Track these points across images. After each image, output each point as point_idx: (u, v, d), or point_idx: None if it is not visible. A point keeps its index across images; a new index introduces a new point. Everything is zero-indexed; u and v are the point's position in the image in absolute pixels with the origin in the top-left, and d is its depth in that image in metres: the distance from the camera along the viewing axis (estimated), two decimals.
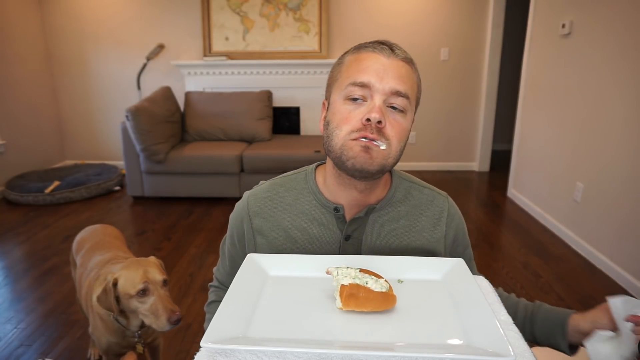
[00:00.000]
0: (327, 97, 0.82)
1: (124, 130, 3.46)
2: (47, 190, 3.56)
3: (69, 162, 4.65)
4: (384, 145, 0.73)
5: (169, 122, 3.68)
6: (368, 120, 0.71)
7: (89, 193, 3.73)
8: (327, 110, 0.81)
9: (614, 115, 2.40)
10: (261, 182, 0.93)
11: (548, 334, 0.83)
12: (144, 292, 1.23)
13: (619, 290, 2.28)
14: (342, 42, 4.27)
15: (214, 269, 1.03)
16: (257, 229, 0.87)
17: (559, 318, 0.83)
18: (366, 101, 0.73)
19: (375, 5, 4.18)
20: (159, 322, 1.22)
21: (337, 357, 0.57)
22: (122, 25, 4.30)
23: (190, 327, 1.99)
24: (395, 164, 0.77)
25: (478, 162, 4.56)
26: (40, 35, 4.29)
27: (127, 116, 3.32)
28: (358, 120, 0.73)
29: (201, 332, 1.76)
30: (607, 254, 2.45)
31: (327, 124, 0.78)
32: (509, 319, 0.68)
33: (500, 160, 4.75)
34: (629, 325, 0.69)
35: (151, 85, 4.34)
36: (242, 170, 3.58)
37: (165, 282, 1.28)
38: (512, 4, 4.46)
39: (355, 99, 0.74)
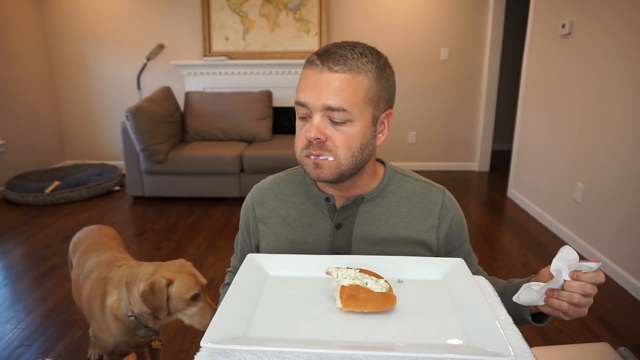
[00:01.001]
0: None
1: (124, 130, 3.46)
2: (47, 190, 3.56)
3: (69, 162, 4.65)
4: (330, 156, 0.78)
5: (169, 122, 3.68)
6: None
7: (89, 193, 3.73)
8: None
9: (614, 115, 2.40)
10: (268, 176, 1.01)
11: (514, 307, 0.81)
12: (196, 297, 1.31)
13: (618, 290, 2.28)
14: None
15: (232, 257, 1.11)
16: (259, 217, 0.95)
17: (521, 284, 0.81)
18: (311, 117, 0.78)
19: (375, 5, 4.18)
20: (205, 322, 1.31)
21: (337, 357, 0.57)
22: (122, 25, 4.30)
23: (190, 327, 1.98)
24: (355, 167, 0.80)
25: (478, 162, 4.56)
26: (40, 35, 4.29)
27: (127, 116, 3.32)
28: (304, 137, 0.79)
29: (201, 332, 1.76)
30: (607, 254, 2.45)
31: None
32: (509, 319, 0.68)
33: (500, 160, 4.75)
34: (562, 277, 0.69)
35: (151, 85, 4.34)
36: (242, 170, 3.58)
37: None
38: (512, 4, 4.46)
39: (302, 117, 0.80)
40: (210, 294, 2.22)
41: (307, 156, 0.79)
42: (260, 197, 0.95)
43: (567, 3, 2.86)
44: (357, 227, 0.88)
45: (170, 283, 1.29)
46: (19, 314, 2.09)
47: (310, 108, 0.76)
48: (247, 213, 0.97)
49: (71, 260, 1.68)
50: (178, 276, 1.30)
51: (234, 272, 1.07)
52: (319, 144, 0.77)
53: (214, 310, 1.27)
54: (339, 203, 0.89)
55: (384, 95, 0.80)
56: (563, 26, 2.86)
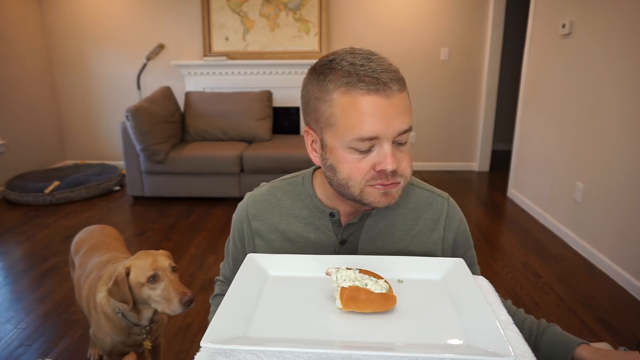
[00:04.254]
0: (313, 128, 0.75)
1: (124, 130, 3.46)
2: (47, 190, 3.56)
3: (69, 162, 4.64)
4: (401, 179, 0.73)
5: (169, 122, 3.68)
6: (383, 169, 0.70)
7: (89, 193, 3.73)
8: (322, 149, 0.75)
9: (614, 115, 2.40)
10: (262, 183, 0.94)
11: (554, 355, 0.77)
12: (154, 279, 1.25)
13: (618, 290, 2.28)
14: (341, 42, 4.27)
15: (221, 264, 1.06)
16: (255, 231, 0.89)
17: (564, 348, 0.76)
18: (374, 146, 0.70)
19: (375, 6, 4.17)
20: (172, 306, 1.23)
21: (337, 357, 0.57)
22: (122, 25, 4.30)
23: (190, 327, 1.99)
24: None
25: (478, 162, 4.55)
26: (40, 35, 4.29)
27: (127, 116, 3.32)
28: (370, 169, 0.70)
29: (201, 332, 1.76)
30: (608, 254, 2.45)
31: (331, 168, 0.74)
32: (509, 319, 0.68)
33: (500, 160, 4.75)
34: None
35: (151, 85, 4.34)
36: (242, 170, 3.58)
37: (174, 269, 1.30)
38: (512, 4, 4.46)
39: (363, 151, 0.70)
40: (204, 294, 2.23)
41: (373, 186, 0.72)
42: (256, 209, 0.88)
43: (567, 3, 2.86)
44: (363, 243, 0.84)
45: (129, 271, 1.26)
46: (19, 314, 2.09)
47: (381, 138, 0.68)
48: (242, 225, 0.90)
49: (73, 260, 1.68)
50: (134, 262, 1.27)
51: (224, 282, 1.03)
52: (393, 172, 0.71)
53: (179, 290, 1.23)
54: (344, 218, 0.84)
55: None
56: (563, 26, 2.86)
